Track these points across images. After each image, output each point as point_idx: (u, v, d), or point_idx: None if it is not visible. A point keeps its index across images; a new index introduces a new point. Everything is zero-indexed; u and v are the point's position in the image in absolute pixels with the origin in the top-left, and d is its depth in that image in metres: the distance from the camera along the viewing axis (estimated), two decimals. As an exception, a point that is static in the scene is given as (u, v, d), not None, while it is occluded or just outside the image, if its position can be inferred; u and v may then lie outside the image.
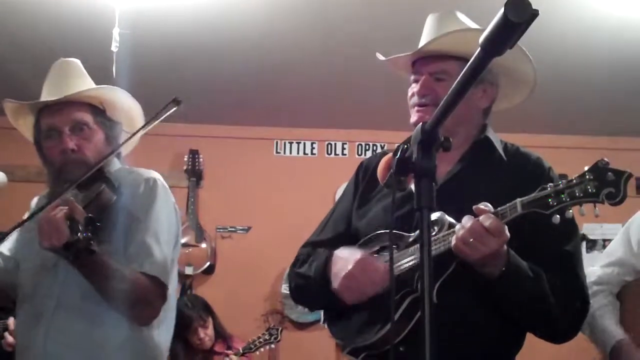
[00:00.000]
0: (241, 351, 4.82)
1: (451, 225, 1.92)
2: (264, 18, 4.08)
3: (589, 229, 5.76)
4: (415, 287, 1.95)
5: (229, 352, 4.86)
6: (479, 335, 1.97)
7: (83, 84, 2.56)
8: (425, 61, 2.16)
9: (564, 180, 1.81)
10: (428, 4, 3.56)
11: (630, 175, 1.76)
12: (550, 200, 1.80)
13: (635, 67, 4.57)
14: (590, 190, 1.76)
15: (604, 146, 5.91)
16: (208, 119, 5.85)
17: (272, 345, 4.90)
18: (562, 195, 1.79)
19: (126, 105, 2.63)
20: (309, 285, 2.21)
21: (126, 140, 2.59)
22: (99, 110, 2.53)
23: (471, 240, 1.80)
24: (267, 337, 4.86)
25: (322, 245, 2.28)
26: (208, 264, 5.69)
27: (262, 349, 4.85)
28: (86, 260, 2.10)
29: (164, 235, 2.40)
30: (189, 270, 5.61)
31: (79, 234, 2.01)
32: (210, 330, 4.92)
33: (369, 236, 2.14)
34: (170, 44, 4.38)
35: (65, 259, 2.16)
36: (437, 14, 2.23)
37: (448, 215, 1.93)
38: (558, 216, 1.78)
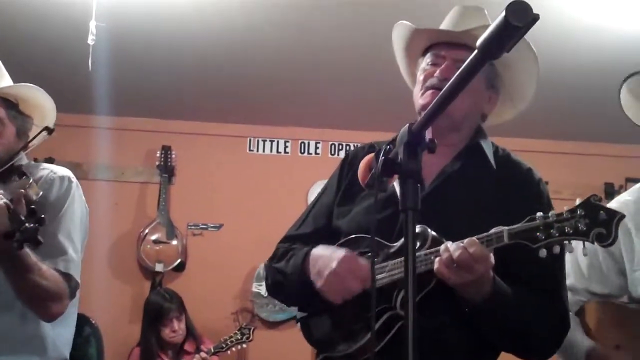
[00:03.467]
0: (212, 350, 4.81)
1: (434, 240, 1.87)
2: (240, 16, 4.06)
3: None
4: (394, 305, 1.91)
5: (203, 348, 4.85)
6: (452, 353, 1.95)
7: None
8: (450, 47, 2.07)
9: (554, 213, 1.76)
10: (408, 7, 3.60)
11: (622, 217, 1.72)
12: (538, 234, 1.75)
13: (604, 74, 4.62)
14: (580, 228, 1.71)
15: (571, 151, 6.01)
16: (181, 115, 5.82)
17: (244, 345, 4.89)
18: (552, 230, 1.73)
19: (40, 102, 2.54)
20: (286, 282, 2.15)
21: (27, 144, 2.50)
22: (11, 104, 2.47)
23: (455, 265, 1.77)
24: (238, 336, 4.85)
25: (301, 239, 2.22)
26: (179, 261, 5.66)
27: (233, 349, 4.84)
28: (22, 252, 2.08)
29: (77, 234, 2.42)
30: (159, 267, 5.58)
31: (26, 224, 1.97)
32: (183, 325, 4.94)
33: (349, 237, 2.07)
34: (147, 38, 4.34)
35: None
36: (464, 7, 2.15)
37: (433, 221, 1.87)
38: (545, 250, 1.74)
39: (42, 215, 2.03)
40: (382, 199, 1.98)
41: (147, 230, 5.67)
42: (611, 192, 5.95)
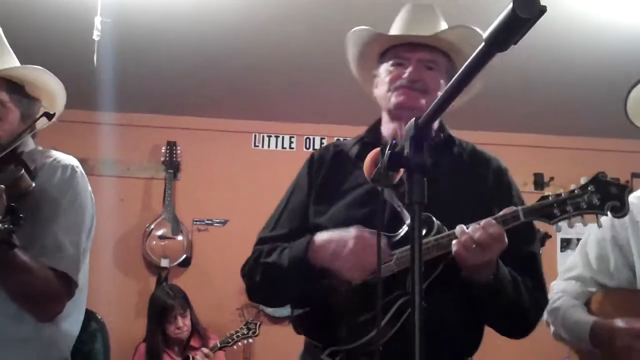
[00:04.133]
0: (219, 345, 4.82)
1: (439, 227, 1.93)
2: (245, 11, 4.06)
3: (563, 227, 5.81)
4: (408, 290, 1.94)
5: (209, 343, 4.86)
6: (450, 334, 1.98)
7: (2, 58, 2.35)
8: (413, 48, 2.14)
9: (566, 191, 1.88)
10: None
11: (631, 190, 1.87)
12: (555, 210, 1.87)
13: (609, 69, 4.61)
14: (594, 202, 1.86)
15: (577, 146, 5.99)
16: (186, 111, 5.82)
17: (250, 340, 4.89)
18: (567, 207, 1.86)
19: (49, 85, 2.39)
20: (283, 275, 2.09)
21: (26, 129, 2.31)
22: (16, 87, 2.31)
23: (474, 246, 1.82)
24: (245, 331, 4.85)
25: (278, 240, 2.19)
26: (184, 256, 5.66)
27: (239, 343, 4.85)
28: (3, 252, 1.91)
29: (78, 227, 2.25)
30: (164, 263, 5.59)
31: None
32: (188, 321, 4.94)
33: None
34: (152, 34, 4.34)
35: None
36: (416, 6, 2.24)
37: None
38: (560, 225, 1.87)
39: (21, 215, 1.87)
40: (361, 195, 2.09)
41: (152, 226, 5.68)
42: (617, 187, 5.93)
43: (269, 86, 5.22)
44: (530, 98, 5.12)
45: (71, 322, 2.30)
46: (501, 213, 1.88)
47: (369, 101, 2.34)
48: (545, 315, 2.32)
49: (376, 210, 2.02)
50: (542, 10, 0.97)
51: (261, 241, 2.25)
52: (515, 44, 1.05)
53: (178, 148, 5.85)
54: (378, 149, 1.85)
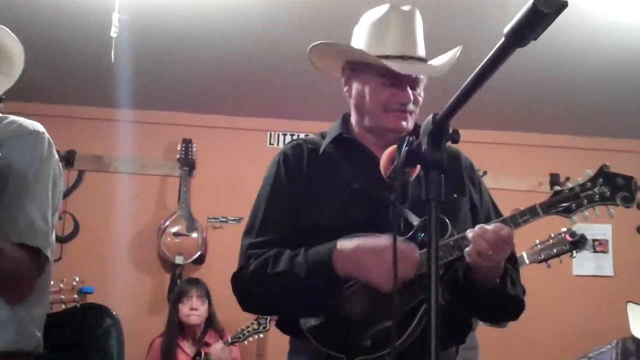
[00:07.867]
0: (230, 340, 4.82)
1: (453, 231, 1.96)
2: (261, 9, 4.06)
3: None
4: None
5: (225, 338, 4.87)
6: (455, 326, 2.02)
7: None
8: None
9: (577, 184, 1.98)
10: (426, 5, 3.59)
11: (636, 180, 1.98)
12: (573, 204, 1.96)
13: (626, 71, 4.59)
14: (606, 194, 1.95)
15: (592, 146, 5.95)
16: (202, 109, 5.84)
17: (261, 335, 4.89)
18: (581, 200, 1.96)
19: (4, 44, 2.19)
20: (298, 285, 2.01)
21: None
22: None
23: (490, 252, 1.85)
24: (255, 326, 4.84)
25: (269, 246, 2.11)
26: (198, 253, 5.68)
27: (250, 338, 4.84)
28: None
29: (47, 201, 2.07)
30: (179, 260, 5.60)
31: None
32: (204, 308, 4.94)
33: (351, 236, 2.00)
34: (169, 32, 4.36)
35: None
36: (406, 11, 2.20)
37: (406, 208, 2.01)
38: (576, 218, 1.95)
39: None
40: (354, 193, 2.08)
41: (167, 223, 5.69)
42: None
43: (285, 84, 5.23)
44: (547, 98, 5.10)
45: (40, 300, 2.13)
46: (521, 210, 1.92)
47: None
48: None
49: (376, 209, 2.04)
50: (563, 5, 0.97)
51: (251, 247, 2.16)
52: (535, 39, 1.05)
53: (193, 145, 5.86)
54: (395, 145, 1.81)
